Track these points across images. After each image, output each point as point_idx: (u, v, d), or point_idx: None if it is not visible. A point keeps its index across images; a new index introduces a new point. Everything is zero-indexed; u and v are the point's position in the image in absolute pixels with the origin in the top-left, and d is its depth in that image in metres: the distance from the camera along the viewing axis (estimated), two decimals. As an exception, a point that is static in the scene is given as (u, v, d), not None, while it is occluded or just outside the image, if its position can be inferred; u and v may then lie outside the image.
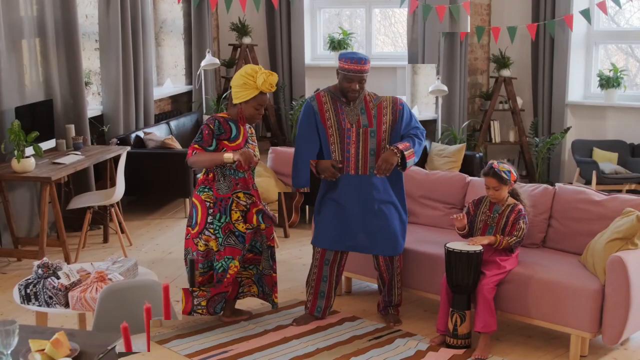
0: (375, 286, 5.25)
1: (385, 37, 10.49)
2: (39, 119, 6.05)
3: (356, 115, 4.52)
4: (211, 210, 4.44)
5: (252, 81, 4.33)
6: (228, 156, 4.34)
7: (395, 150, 4.43)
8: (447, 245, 4.38)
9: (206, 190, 4.47)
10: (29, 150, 5.69)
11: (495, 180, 4.40)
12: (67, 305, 3.97)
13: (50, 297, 3.97)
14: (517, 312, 4.46)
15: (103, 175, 6.69)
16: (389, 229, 4.60)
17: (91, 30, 7.27)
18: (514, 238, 4.38)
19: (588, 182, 7.97)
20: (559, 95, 8.66)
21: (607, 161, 8.17)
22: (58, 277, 4.04)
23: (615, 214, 4.54)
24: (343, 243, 4.63)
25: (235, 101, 4.44)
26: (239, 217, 4.49)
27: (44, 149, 6.04)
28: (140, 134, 7.35)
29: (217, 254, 4.49)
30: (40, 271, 4.08)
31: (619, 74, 8.55)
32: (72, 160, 5.97)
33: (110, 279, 4.07)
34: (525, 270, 4.42)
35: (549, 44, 8.64)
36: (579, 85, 8.94)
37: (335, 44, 9.67)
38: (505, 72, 8.68)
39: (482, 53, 9.13)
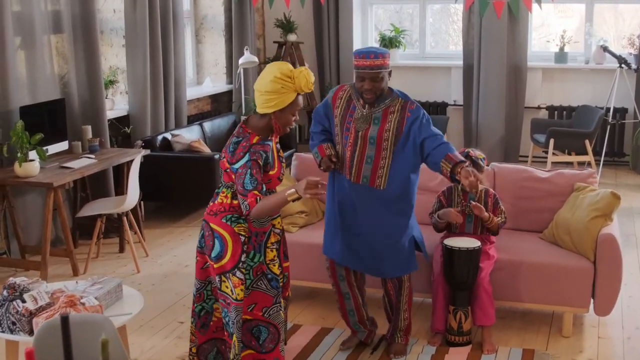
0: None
1: (447, 36, 9.80)
2: (49, 119, 5.65)
3: (367, 123, 3.91)
4: (245, 247, 3.50)
5: (290, 83, 3.46)
6: (291, 192, 3.36)
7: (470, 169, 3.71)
8: (445, 242, 4.20)
9: (239, 220, 3.50)
10: (34, 154, 5.30)
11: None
12: (31, 332, 3.51)
13: (14, 323, 3.53)
14: (508, 298, 4.44)
15: (120, 180, 6.26)
16: (396, 247, 4.01)
17: (119, 26, 6.85)
18: (502, 219, 4.39)
19: None
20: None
21: None
22: (24, 301, 3.59)
23: (564, 189, 4.69)
24: (348, 261, 4.09)
25: (267, 110, 3.47)
26: (275, 256, 3.58)
27: (55, 151, 5.67)
28: (168, 135, 6.92)
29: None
30: (5, 293, 3.65)
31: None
32: (81, 164, 5.55)
33: (82, 304, 3.60)
34: (511, 256, 4.40)
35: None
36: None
37: (387, 42, 9.06)
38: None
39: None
